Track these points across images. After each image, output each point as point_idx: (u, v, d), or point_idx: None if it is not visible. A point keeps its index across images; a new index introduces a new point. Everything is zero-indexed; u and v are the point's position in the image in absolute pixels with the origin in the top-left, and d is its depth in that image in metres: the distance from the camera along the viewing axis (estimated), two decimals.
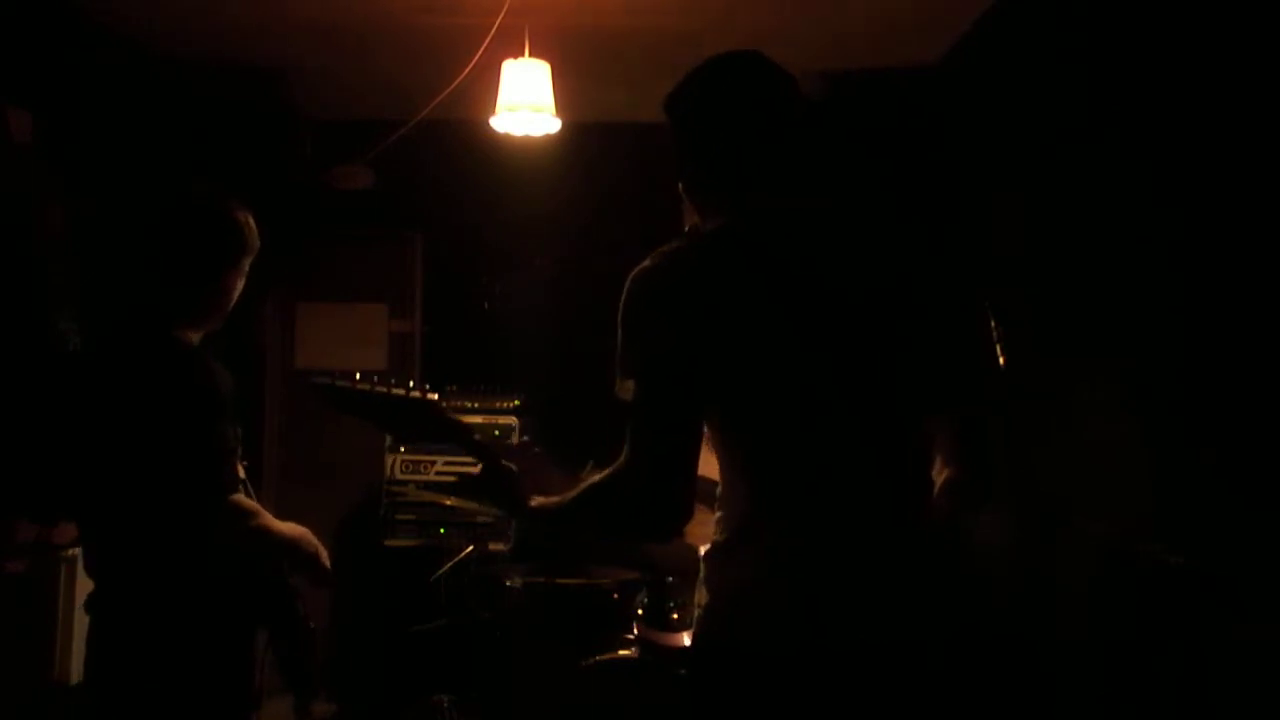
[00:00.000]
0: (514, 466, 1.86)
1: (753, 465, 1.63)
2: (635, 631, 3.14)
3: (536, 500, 1.80)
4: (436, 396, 1.90)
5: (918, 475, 1.69)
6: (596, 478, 1.66)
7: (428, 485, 4.25)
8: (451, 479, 4.24)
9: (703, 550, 1.70)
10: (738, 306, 1.60)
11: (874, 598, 1.57)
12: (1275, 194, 2.38)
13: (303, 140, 4.93)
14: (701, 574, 1.68)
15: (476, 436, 1.91)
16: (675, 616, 3.18)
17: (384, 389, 1.86)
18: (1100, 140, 3.16)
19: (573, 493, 1.71)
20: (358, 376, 1.88)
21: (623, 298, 1.64)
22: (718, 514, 1.67)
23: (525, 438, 2.32)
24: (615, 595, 3.21)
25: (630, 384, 1.60)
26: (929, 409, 1.70)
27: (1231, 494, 2.47)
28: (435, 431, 1.94)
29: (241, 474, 2.25)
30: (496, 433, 4.56)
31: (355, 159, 4.89)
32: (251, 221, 2.38)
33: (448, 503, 3.41)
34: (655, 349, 1.60)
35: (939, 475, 1.73)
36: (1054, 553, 3.27)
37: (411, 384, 1.88)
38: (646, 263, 1.64)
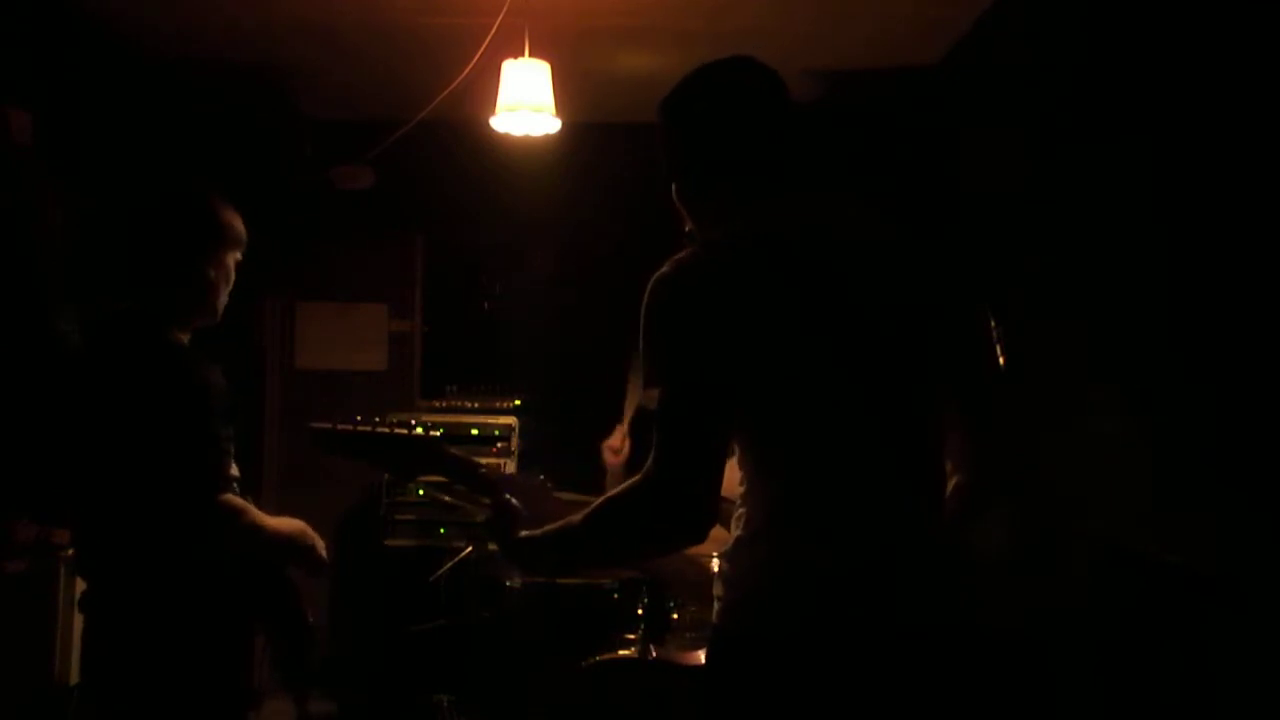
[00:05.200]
0: (517, 503, 1.82)
1: (776, 464, 1.64)
2: (643, 650, 3.12)
3: (529, 532, 1.75)
4: (439, 433, 1.89)
5: (932, 474, 1.70)
6: (613, 491, 1.64)
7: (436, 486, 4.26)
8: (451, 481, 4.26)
9: (713, 565, 1.71)
10: (761, 311, 1.60)
11: (884, 584, 1.58)
12: (1275, 193, 2.38)
13: (303, 140, 4.93)
14: (719, 569, 1.68)
15: (482, 470, 1.90)
16: (675, 616, 3.17)
17: (386, 430, 1.85)
18: (1100, 140, 3.16)
19: (581, 513, 1.67)
20: (358, 419, 1.86)
21: (645, 306, 1.63)
22: (739, 512, 1.68)
23: (541, 477, 2.33)
24: (615, 595, 3.21)
25: (656, 393, 1.60)
26: (937, 410, 1.71)
27: (1231, 494, 2.48)
28: (440, 469, 1.92)
29: (235, 473, 2.24)
30: (497, 439, 4.56)
31: (355, 159, 4.89)
32: (229, 214, 2.32)
33: (445, 498, 3.40)
34: (682, 355, 1.60)
35: (949, 478, 1.75)
36: (1054, 553, 3.27)
37: (412, 421, 1.86)
38: (665, 269, 1.64)
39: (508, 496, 1.82)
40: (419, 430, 1.86)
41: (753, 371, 1.60)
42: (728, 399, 1.60)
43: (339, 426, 1.86)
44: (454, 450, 1.90)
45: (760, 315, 1.60)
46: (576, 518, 1.67)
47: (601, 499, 1.66)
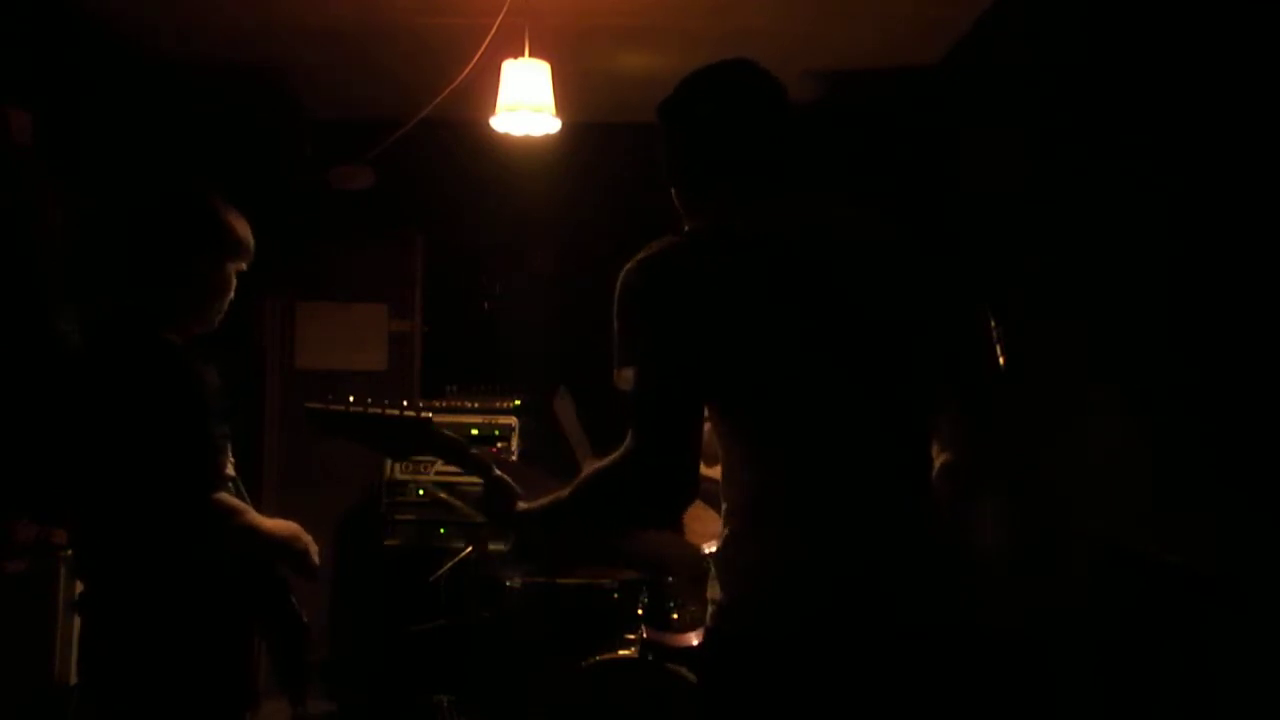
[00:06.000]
0: (510, 480, 1.86)
1: (774, 463, 1.64)
2: (638, 633, 3.14)
3: (524, 505, 1.81)
4: (431, 415, 1.90)
5: (921, 466, 1.70)
6: (597, 465, 1.66)
7: (436, 485, 4.28)
8: (453, 478, 4.28)
9: (705, 549, 1.71)
10: (738, 298, 1.61)
11: (883, 583, 1.58)
12: (1275, 193, 2.38)
13: (303, 140, 4.93)
14: (712, 571, 1.68)
15: (474, 451, 1.91)
16: (675, 616, 3.18)
17: (378, 410, 1.87)
18: (1100, 140, 3.16)
19: (570, 486, 1.71)
20: (351, 399, 1.89)
21: (618, 289, 1.65)
22: (725, 508, 1.68)
23: (524, 452, 2.39)
24: (615, 595, 3.21)
25: (628, 373, 1.61)
26: (930, 407, 1.71)
27: (1231, 494, 2.48)
28: (432, 449, 1.94)
29: (231, 472, 2.24)
30: (497, 439, 4.56)
31: (355, 159, 4.89)
32: (234, 220, 2.30)
33: (443, 496, 3.40)
34: (655, 335, 1.61)
35: (937, 468, 1.75)
36: (1054, 553, 3.27)
37: (405, 403, 1.88)
38: (641, 255, 1.65)
39: (499, 473, 1.87)
40: (410, 413, 1.88)
41: (751, 371, 1.60)
42: (709, 380, 1.61)
43: (333, 406, 1.90)
44: (445, 431, 1.92)
45: (737, 303, 1.61)
46: (564, 492, 1.72)
47: (586, 474, 1.69)
